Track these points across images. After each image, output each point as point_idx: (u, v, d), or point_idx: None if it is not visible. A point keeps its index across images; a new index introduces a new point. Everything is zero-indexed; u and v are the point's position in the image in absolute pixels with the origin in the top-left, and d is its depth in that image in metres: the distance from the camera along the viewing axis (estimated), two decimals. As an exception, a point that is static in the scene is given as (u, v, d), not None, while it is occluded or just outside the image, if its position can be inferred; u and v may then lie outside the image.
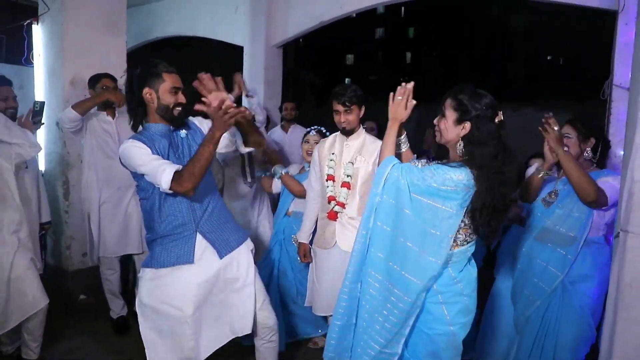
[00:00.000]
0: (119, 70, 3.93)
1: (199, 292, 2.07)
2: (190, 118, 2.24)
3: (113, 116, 3.36)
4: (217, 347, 2.15)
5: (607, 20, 3.76)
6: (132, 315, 3.43)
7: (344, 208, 2.63)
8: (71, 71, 3.75)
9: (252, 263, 2.25)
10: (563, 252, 2.27)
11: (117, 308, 3.40)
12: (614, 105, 3.57)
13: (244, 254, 2.22)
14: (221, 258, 2.12)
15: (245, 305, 2.18)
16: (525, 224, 2.53)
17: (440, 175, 1.70)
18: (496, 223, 1.74)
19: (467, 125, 1.74)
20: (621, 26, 3.50)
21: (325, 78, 19.18)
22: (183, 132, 2.14)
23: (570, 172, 2.14)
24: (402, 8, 25.25)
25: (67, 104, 3.70)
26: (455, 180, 1.68)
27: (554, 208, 2.33)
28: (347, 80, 29.07)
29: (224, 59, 6.93)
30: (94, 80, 3.33)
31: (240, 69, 5.56)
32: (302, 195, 3.05)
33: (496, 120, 1.73)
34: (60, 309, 3.63)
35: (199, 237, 2.09)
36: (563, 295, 2.27)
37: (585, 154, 2.32)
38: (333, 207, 2.65)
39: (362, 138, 2.68)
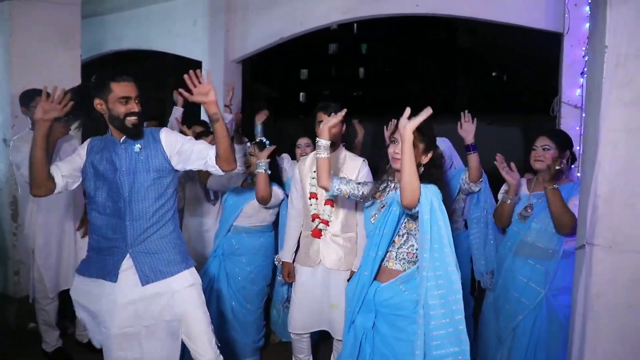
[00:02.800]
0: (73, 84, 3.69)
1: (124, 314, 1.99)
2: (162, 129, 2.16)
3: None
4: None
5: (550, 39, 3.99)
6: (76, 344, 3.28)
7: (328, 225, 2.63)
8: (20, 86, 3.51)
9: (191, 303, 2.07)
10: (543, 268, 2.34)
11: (52, 340, 3.14)
12: (563, 122, 3.78)
13: (177, 286, 2.06)
14: (142, 285, 2.01)
15: (171, 340, 2.06)
16: (504, 237, 2.60)
17: None
18: None
19: (431, 154, 1.96)
20: (567, 47, 3.73)
21: (280, 92, 19.25)
22: (137, 147, 2.05)
23: (555, 207, 2.24)
24: (355, 25, 25.79)
25: (15, 120, 3.51)
26: None
27: (530, 222, 2.40)
28: (301, 94, 29.24)
29: (181, 74, 6.79)
30: (28, 98, 3.03)
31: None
32: (264, 200, 2.89)
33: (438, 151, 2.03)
34: (7, 339, 3.39)
35: (127, 257, 2.02)
36: (548, 308, 2.33)
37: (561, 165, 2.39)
38: (317, 225, 2.64)
39: (343, 155, 2.70)
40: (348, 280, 2.60)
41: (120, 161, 2.03)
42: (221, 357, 2.14)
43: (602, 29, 1.79)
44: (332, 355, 2.85)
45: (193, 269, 2.14)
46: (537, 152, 2.42)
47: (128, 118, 2.00)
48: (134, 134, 2.04)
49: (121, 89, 1.99)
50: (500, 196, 2.62)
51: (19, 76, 3.54)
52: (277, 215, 3.16)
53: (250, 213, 3.01)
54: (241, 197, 3.02)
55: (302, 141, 3.45)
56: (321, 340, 3.21)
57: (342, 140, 2.72)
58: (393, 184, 2.05)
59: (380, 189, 2.08)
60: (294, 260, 2.81)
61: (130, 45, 6.29)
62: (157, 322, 2.03)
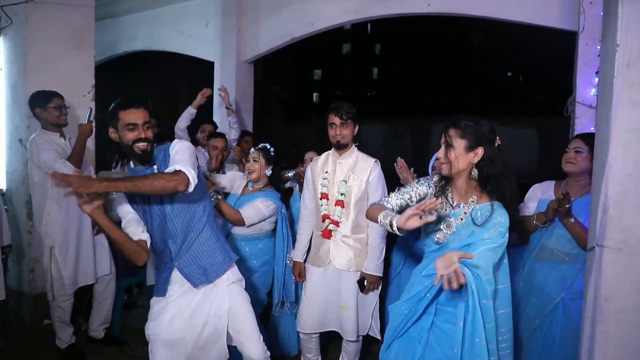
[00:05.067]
0: (86, 86, 3.83)
1: (177, 323, 2.08)
2: (169, 145, 2.10)
3: (64, 137, 3.17)
4: None
5: (565, 38, 3.94)
6: (89, 340, 3.36)
7: (338, 226, 2.63)
8: (35, 87, 3.56)
9: (237, 299, 2.18)
10: (559, 274, 2.30)
11: (66, 337, 3.19)
12: (577, 122, 3.73)
13: (222, 284, 2.17)
14: (195, 287, 2.11)
15: (219, 338, 2.15)
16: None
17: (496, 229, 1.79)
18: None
19: (480, 150, 1.79)
20: (581, 46, 3.68)
21: (293, 93, 19.29)
22: (155, 169, 2.04)
23: (579, 238, 2.22)
24: (369, 25, 25.73)
25: (31, 120, 3.57)
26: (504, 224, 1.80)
27: (553, 228, 2.34)
28: (314, 95, 29.23)
29: (194, 75, 6.86)
30: (43, 98, 3.08)
31: (210, 84, 5.51)
32: (237, 223, 2.85)
33: (496, 144, 1.82)
34: (23, 335, 3.46)
35: (175, 271, 2.11)
36: (565, 313, 2.30)
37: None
38: (327, 226, 2.65)
39: (355, 156, 2.69)
40: (358, 281, 2.61)
41: None
42: (269, 353, 2.21)
43: (614, 27, 1.76)
44: (340, 356, 2.86)
45: (235, 267, 2.22)
46: (569, 155, 2.36)
47: (136, 144, 1.98)
48: (144, 159, 2.03)
49: (127, 116, 1.97)
50: (528, 205, 2.52)
51: (34, 78, 3.60)
52: (276, 222, 3.04)
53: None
54: (237, 205, 2.92)
55: (309, 155, 3.44)
56: (330, 341, 3.21)
57: (354, 140, 2.72)
58: (451, 195, 1.90)
59: (438, 194, 1.91)
60: (305, 260, 2.82)
61: (142, 47, 6.37)
62: (206, 322, 2.11)
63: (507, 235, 1.81)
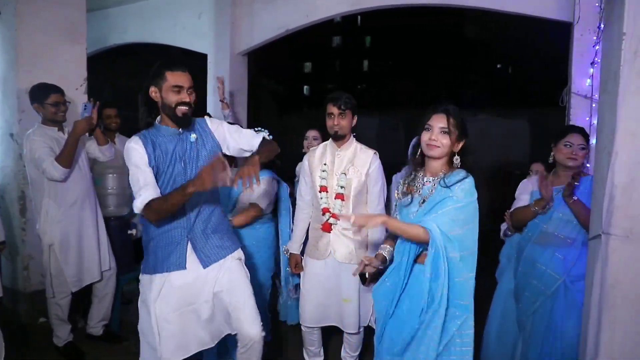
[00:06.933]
0: (78, 78, 3.77)
1: (180, 296, 2.07)
2: (205, 118, 2.21)
3: (63, 130, 3.09)
4: (192, 352, 2.14)
5: (559, 29, 3.94)
6: (87, 337, 3.32)
7: (339, 219, 2.61)
8: (26, 80, 3.52)
9: (238, 274, 2.21)
10: (561, 256, 2.37)
11: (63, 334, 3.14)
12: (572, 112, 3.75)
13: (228, 264, 2.20)
14: (204, 268, 2.12)
15: (221, 314, 2.19)
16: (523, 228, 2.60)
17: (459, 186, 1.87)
18: None
19: (463, 141, 1.96)
20: (576, 37, 3.69)
21: (284, 86, 19.18)
22: (193, 136, 2.11)
23: (581, 216, 2.30)
24: (359, 17, 25.60)
25: (22, 115, 3.51)
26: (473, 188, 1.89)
27: (552, 213, 2.42)
28: (305, 88, 29.10)
29: (187, 67, 6.76)
30: (42, 94, 3.00)
31: (203, 77, 5.45)
32: (256, 212, 2.92)
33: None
34: (18, 334, 3.40)
35: (188, 243, 2.11)
36: (566, 294, 2.36)
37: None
38: (327, 219, 2.63)
39: (354, 147, 2.66)
40: (360, 274, 2.59)
41: (181, 150, 2.07)
42: (264, 333, 2.19)
43: (620, 15, 1.75)
44: (342, 348, 2.85)
45: (240, 249, 2.28)
46: (574, 150, 2.42)
47: (179, 107, 2.02)
48: (184, 123, 2.07)
49: (175, 78, 2.01)
50: (520, 197, 2.63)
51: (25, 70, 3.53)
52: (276, 204, 3.11)
53: (246, 204, 2.95)
54: (234, 188, 2.87)
55: (311, 134, 3.42)
56: (332, 333, 3.20)
57: (353, 131, 2.69)
58: (422, 175, 2.02)
59: (410, 182, 2.06)
60: (303, 252, 2.80)
61: (134, 39, 6.26)
62: (212, 296, 2.13)
63: (472, 197, 1.88)
